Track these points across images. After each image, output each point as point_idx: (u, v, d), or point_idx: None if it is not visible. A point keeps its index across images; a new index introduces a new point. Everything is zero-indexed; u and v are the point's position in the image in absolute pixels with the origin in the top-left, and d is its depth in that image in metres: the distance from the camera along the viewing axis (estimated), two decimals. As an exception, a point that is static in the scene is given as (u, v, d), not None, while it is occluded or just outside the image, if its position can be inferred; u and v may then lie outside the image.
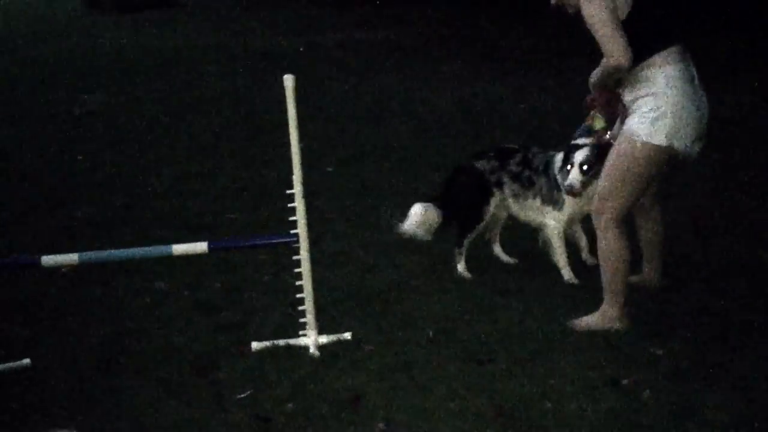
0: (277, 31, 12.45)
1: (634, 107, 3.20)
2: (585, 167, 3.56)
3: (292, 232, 3.35)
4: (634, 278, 3.55)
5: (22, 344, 3.45)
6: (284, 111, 3.26)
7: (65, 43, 12.08)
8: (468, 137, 6.20)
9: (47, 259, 3.27)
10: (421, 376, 3.07)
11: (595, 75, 3.27)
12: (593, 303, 3.42)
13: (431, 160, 5.75)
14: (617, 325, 3.30)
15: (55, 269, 3.92)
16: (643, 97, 3.15)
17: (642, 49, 3.12)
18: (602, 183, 3.28)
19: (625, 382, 2.97)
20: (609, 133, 3.57)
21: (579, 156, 3.58)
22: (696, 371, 3.02)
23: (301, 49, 10.75)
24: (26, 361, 3.28)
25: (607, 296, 3.33)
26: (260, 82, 8.53)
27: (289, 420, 2.85)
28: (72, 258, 3.30)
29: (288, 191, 3.30)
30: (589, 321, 3.34)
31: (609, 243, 3.27)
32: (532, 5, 3.46)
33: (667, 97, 3.12)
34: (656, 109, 3.12)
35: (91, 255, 3.44)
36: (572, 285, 3.76)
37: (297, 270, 3.34)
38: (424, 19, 12.78)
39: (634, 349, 3.19)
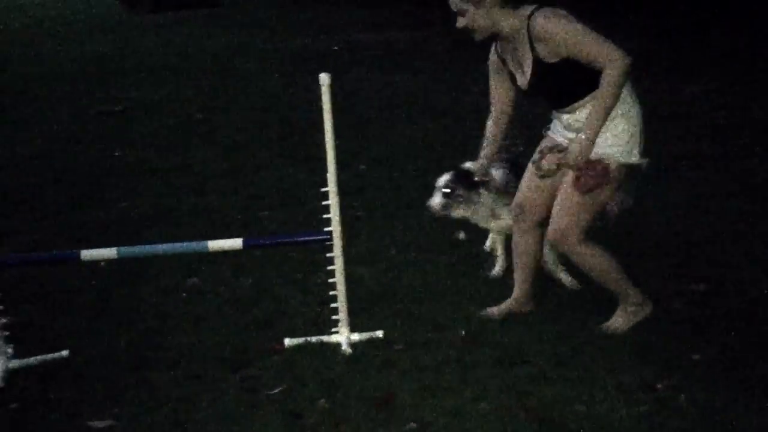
0: (312, 30, 12.51)
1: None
2: (446, 191, 3.66)
3: (325, 230, 3.37)
4: (504, 306, 3.51)
5: (60, 336, 3.52)
6: (318, 110, 3.28)
7: (102, 42, 12.28)
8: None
9: (86, 254, 3.33)
10: (453, 376, 3.07)
11: (595, 117, 3.02)
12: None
13: (464, 160, 5.72)
14: (642, 312, 3.31)
15: (94, 263, 4.00)
16: (611, 119, 3.07)
17: (596, 80, 3.04)
18: (563, 216, 3.16)
19: (660, 386, 2.93)
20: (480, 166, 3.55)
21: (440, 181, 3.70)
22: (734, 378, 2.96)
23: (335, 49, 10.79)
24: (64, 352, 3.35)
25: (619, 295, 3.32)
26: (295, 81, 8.58)
27: (321, 417, 2.87)
28: (110, 252, 3.36)
29: (322, 189, 3.32)
30: (617, 322, 3.30)
31: (586, 259, 3.24)
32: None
33: (634, 115, 3.12)
34: (627, 130, 3.10)
35: (129, 250, 3.50)
36: (598, 289, 3.71)
37: (330, 267, 3.36)
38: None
39: (670, 353, 3.15)
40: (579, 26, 3.02)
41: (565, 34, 3.00)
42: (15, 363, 3.29)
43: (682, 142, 5.85)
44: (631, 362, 3.09)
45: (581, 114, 3.13)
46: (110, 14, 16.15)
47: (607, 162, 3.10)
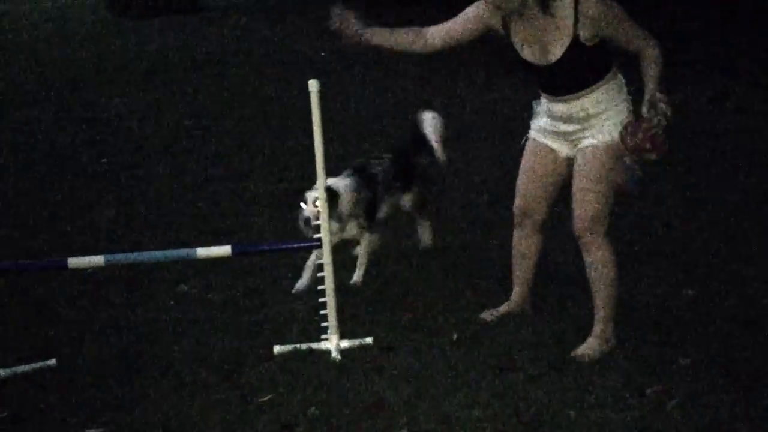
0: (300, 36, 12.50)
1: (601, 117, 3.16)
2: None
3: (315, 236, 3.38)
4: (502, 309, 3.53)
5: (48, 345, 3.49)
6: (307, 116, 3.28)
7: (90, 48, 12.22)
8: (492, 144, 6.19)
9: (74, 261, 3.31)
10: (444, 382, 3.07)
11: (655, 81, 3.09)
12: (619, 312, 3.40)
13: (452, 167, 5.74)
14: (613, 342, 3.22)
15: (82, 271, 3.97)
16: (614, 105, 3.16)
17: (608, 65, 3.17)
18: (594, 202, 3.15)
19: (649, 391, 2.94)
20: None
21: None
22: (723, 383, 2.98)
23: (323, 54, 10.78)
24: (52, 361, 3.33)
25: (605, 315, 3.21)
26: (284, 87, 8.57)
27: (311, 425, 2.86)
28: (98, 260, 3.35)
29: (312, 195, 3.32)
30: (593, 349, 3.19)
31: (607, 260, 3.19)
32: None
33: (630, 100, 3.20)
34: (628, 113, 3.17)
35: (117, 257, 3.48)
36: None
37: (320, 274, 3.36)
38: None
39: (661, 358, 3.16)
40: (625, 12, 3.08)
41: (617, 19, 3.05)
42: (2, 372, 3.26)
43: (675, 146, 5.88)
44: (621, 367, 3.10)
45: (587, 101, 3.15)
46: (97, 21, 16.09)
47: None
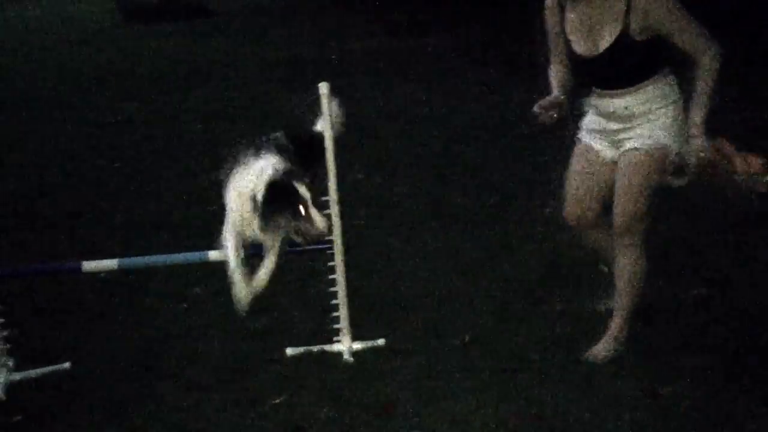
0: (307, 39, 12.54)
1: (647, 118, 3.03)
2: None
3: (326, 238, 3.38)
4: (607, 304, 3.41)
5: (62, 348, 3.52)
6: (316, 118, 3.30)
7: (101, 53, 12.31)
8: (497, 145, 6.18)
9: (88, 265, 3.33)
10: (455, 383, 3.07)
11: (700, 112, 2.91)
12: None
13: (460, 168, 5.75)
14: (621, 348, 3.18)
15: (95, 274, 4.00)
16: (660, 108, 3.02)
17: (659, 64, 3.02)
18: (634, 204, 3.05)
19: (663, 393, 2.93)
20: None
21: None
22: (736, 384, 2.97)
23: (333, 57, 10.81)
24: (66, 365, 3.35)
25: (624, 316, 3.18)
26: (291, 91, 8.59)
27: (323, 426, 2.87)
28: (112, 264, 3.36)
29: (323, 198, 3.33)
30: (606, 349, 3.17)
31: (639, 261, 3.13)
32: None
33: (680, 103, 3.04)
34: (677, 117, 3.02)
35: (130, 261, 3.50)
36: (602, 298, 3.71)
37: (331, 276, 3.37)
38: (453, 27, 12.79)
39: (673, 359, 3.15)
40: (683, 9, 2.91)
41: (670, 14, 2.89)
42: (17, 375, 3.29)
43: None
44: (634, 368, 3.09)
45: (632, 99, 3.02)
46: (108, 26, 16.19)
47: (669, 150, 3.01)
